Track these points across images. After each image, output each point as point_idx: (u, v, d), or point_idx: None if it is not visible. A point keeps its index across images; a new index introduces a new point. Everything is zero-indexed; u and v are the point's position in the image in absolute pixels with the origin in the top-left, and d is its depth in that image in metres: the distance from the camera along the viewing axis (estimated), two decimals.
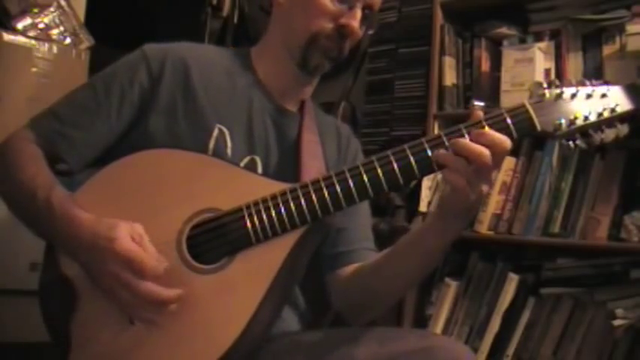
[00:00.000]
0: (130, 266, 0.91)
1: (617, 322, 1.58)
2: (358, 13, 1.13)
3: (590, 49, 1.82)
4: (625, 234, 1.63)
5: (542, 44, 1.88)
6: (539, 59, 1.86)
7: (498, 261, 1.84)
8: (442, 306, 1.88)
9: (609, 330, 1.60)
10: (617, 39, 1.75)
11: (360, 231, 1.20)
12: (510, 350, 1.73)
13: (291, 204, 0.96)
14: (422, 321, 1.92)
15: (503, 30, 1.98)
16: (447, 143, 0.93)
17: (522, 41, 1.93)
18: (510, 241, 1.83)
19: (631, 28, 1.68)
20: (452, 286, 1.88)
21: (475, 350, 1.75)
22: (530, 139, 1.82)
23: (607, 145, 0.97)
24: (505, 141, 0.91)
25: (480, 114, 0.94)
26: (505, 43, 1.97)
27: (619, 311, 1.59)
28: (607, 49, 1.77)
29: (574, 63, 1.83)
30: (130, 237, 0.92)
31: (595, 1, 1.83)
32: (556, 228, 1.73)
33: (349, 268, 1.16)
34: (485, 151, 0.89)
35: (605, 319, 1.62)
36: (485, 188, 0.93)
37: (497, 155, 0.90)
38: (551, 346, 1.70)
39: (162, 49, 1.14)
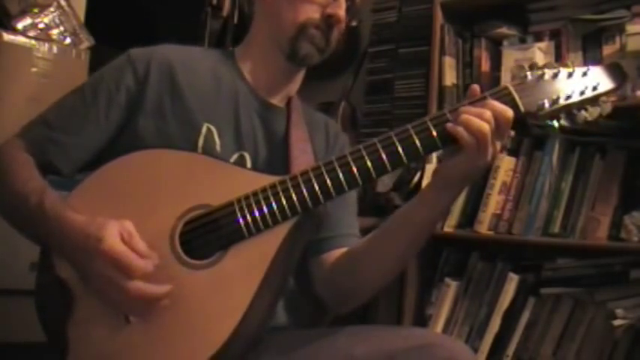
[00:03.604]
0: (116, 266, 0.91)
1: (617, 322, 1.58)
2: (343, 3, 1.16)
3: (590, 49, 1.82)
4: (625, 234, 1.63)
5: (542, 44, 1.88)
6: (539, 59, 1.85)
7: (498, 261, 1.84)
8: (442, 306, 1.88)
9: (609, 330, 1.60)
10: (617, 39, 1.75)
11: (344, 217, 1.20)
12: (510, 350, 1.73)
13: (281, 196, 0.98)
14: (422, 321, 1.92)
15: (503, 30, 1.98)
16: (431, 128, 0.94)
17: (522, 41, 1.93)
18: (510, 241, 1.83)
19: (631, 28, 1.68)
20: (452, 286, 1.88)
21: (475, 350, 1.75)
22: (530, 138, 1.82)
23: (601, 135, 0.99)
24: (507, 110, 0.93)
25: (477, 87, 0.97)
26: (505, 43, 1.97)
27: (619, 311, 1.59)
28: (607, 49, 1.77)
29: None
30: (120, 235, 0.93)
31: (595, 1, 1.82)
32: (556, 228, 1.73)
33: (334, 254, 1.16)
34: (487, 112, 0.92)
35: (605, 319, 1.62)
36: (490, 153, 0.95)
37: (501, 126, 0.93)
38: (551, 346, 1.70)
39: (147, 52, 1.16)
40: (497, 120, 0.93)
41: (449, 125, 0.94)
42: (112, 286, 0.92)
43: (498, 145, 0.96)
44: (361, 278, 1.11)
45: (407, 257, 1.11)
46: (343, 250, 1.16)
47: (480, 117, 0.92)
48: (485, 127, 0.92)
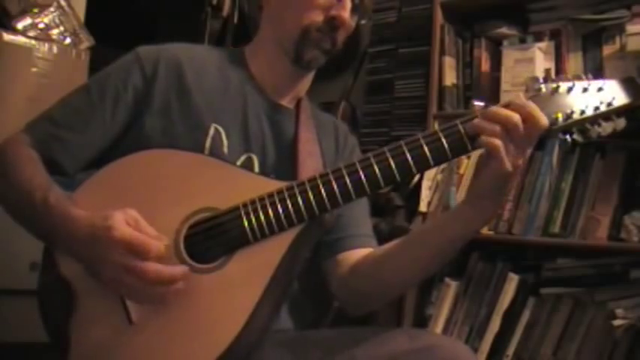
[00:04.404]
0: (131, 250, 0.90)
1: (617, 322, 1.58)
2: (348, 4, 1.14)
3: (590, 49, 1.82)
4: (625, 234, 1.63)
5: (542, 44, 1.88)
6: (539, 59, 1.85)
7: (498, 261, 1.84)
8: (442, 306, 1.88)
9: (609, 330, 1.60)
10: (617, 39, 1.75)
11: (357, 218, 1.20)
12: (510, 350, 1.73)
13: (288, 202, 0.97)
14: (422, 321, 1.92)
15: (503, 30, 1.98)
16: (442, 138, 0.93)
17: (522, 41, 1.93)
18: (510, 241, 1.83)
19: (631, 28, 1.68)
20: (452, 286, 1.88)
21: (475, 350, 1.75)
22: None
23: (605, 139, 0.97)
24: (540, 115, 0.90)
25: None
26: (505, 43, 1.97)
27: (619, 311, 1.59)
28: (607, 49, 1.77)
29: (574, 63, 1.83)
30: (126, 222, 0.92)
31: (595, 1, 1.83)
32: (556, 228, 1.73)
33: (350, 255, 1.15)
34: (516, 115, 0.89)
35: (605, 319, 1.62)
36: (520, 161, 0.91)
37: (530, 129, 0.90)
38: (551, 346, 1.70)
39: (155, 50, 1.15)
40: (528, 127, 0.90)
41: (475, 121, 0.91)
42: (129, 272, 0.90)
43: (528, 152, 0.93)
44: (383, 283, 1.10)
45: (432, 268, 1.10)
46: (359, 250, 1.15)
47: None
48: (516, 116, 0.89)
